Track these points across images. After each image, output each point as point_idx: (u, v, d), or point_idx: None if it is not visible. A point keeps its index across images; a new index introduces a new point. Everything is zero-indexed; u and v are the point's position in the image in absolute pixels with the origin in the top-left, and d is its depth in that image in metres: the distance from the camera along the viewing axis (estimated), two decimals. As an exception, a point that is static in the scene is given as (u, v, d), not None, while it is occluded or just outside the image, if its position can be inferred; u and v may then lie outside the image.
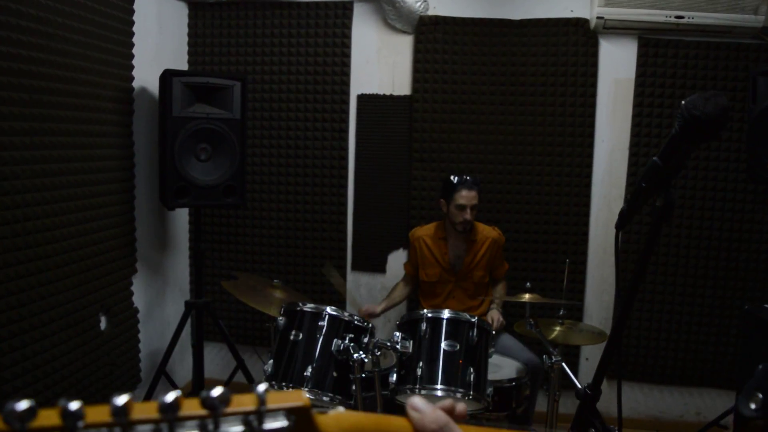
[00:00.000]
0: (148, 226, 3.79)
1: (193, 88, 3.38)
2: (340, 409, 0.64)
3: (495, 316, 3.36)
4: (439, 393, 2.43)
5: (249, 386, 3.68)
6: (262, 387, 0.55)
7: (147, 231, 3.77)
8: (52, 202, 2.87)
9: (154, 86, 3.61)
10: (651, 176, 1.46)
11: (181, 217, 4.22)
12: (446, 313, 2.58)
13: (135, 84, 3.50)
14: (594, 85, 3.75)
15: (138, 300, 3.65)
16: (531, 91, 3.80)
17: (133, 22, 3.45)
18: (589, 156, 3.81)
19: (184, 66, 4.10)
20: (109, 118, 3.28)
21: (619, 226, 1.55)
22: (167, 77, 3.30)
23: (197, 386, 3.81)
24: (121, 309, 3.48)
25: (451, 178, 3.42)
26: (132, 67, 3.48)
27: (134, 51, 3.48)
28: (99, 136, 3.21)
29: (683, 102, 1.31)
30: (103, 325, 3.33)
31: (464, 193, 3.37)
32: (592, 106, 3.77)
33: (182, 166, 3.35)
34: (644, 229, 3.79)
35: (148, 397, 3.53)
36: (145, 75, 3.59)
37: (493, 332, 3.31)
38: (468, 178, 3.40)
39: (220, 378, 4.17)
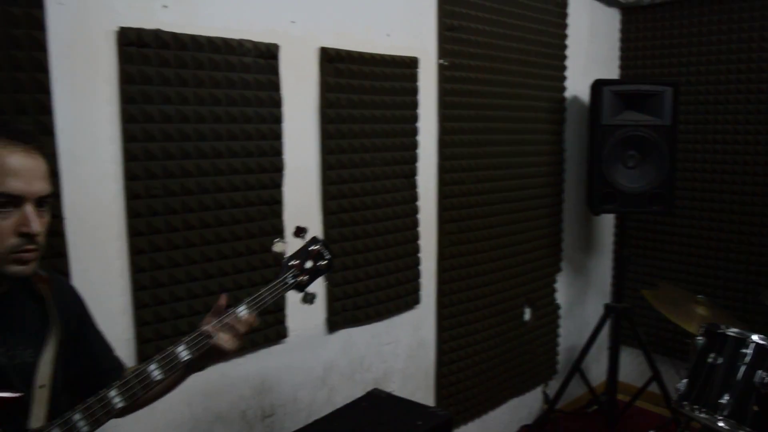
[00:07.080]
0: (574, 228, 3.98)
1: (622, 96, 3.43)
2: None
3: None
4: None
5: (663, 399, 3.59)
6: None
7: (573, 233, 3.97)
8: (491, 203, 3.27)
9: (584, 94, 3.77)
10: None
11: (606, 222, 4.30)
12: None
13: (567, 93, 3.71)
14: None
15: (560, 297, 3.88)
16: None
17: (566, 35, 3.65)
18: None
19: (613, 72, 4.15)
20: (542, 128, 3.56)
21: None
22: (598, 86, 3.42)
23: (610, 389, 3.86)
24: (544, 303, 3.76)
25: None
26: (565, 78, 3.69)
27: (567, 62, 3.68)
28: (533, 144, 3.51)
29: None
30: (527, 316, 3.64)
31: None
32: None
33: (609, 173, 3.44)
34: None
35: (562, 389, 3.73)
36: (576, 84, 3.77)
37: None
38: None
39: (633, 383, 4.13)
